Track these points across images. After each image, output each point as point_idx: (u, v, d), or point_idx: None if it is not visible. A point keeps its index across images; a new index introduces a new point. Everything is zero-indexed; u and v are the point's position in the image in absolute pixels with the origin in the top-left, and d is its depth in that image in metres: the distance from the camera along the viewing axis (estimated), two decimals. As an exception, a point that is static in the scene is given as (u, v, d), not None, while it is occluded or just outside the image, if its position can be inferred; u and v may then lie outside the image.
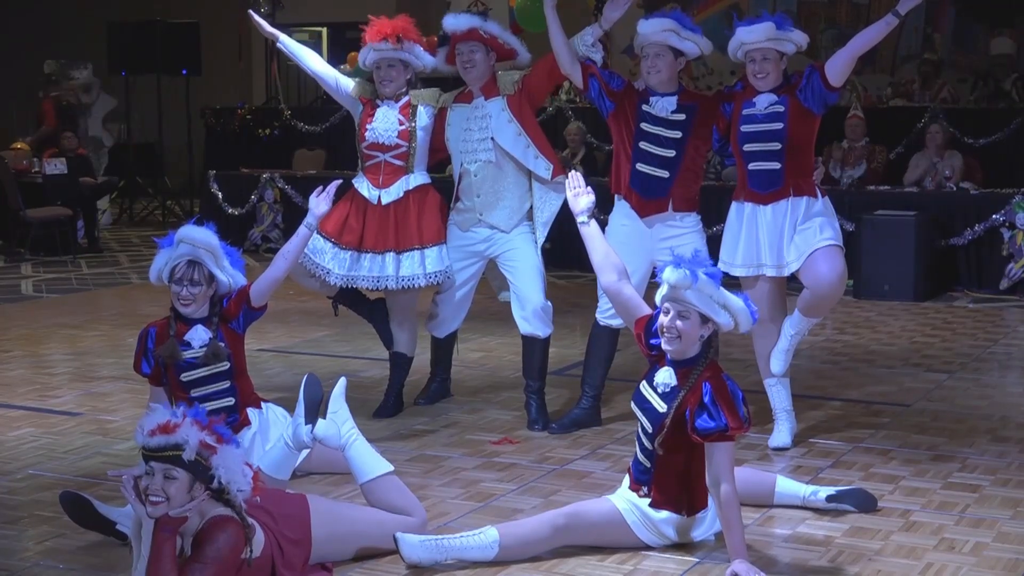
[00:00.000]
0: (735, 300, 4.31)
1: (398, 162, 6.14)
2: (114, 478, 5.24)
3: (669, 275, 4.28)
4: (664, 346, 4.36)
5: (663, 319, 4.34)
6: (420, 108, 6.17)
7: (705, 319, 4.30)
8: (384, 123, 6.14)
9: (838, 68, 5.57)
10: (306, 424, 4.58)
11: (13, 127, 16.88)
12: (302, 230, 5.22)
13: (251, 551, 3.95)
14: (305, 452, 4.87)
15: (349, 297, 6.37)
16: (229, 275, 5.06)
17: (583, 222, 4.80)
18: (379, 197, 6.13)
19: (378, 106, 6.18)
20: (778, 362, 5.77)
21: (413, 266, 6.10)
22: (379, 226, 6.12)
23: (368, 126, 6.15)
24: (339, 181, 5.33)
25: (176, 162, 17.03)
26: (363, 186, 6.18)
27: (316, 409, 4.61)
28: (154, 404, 4.55)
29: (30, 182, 13.28)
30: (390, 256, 6.11)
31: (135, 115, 16.63)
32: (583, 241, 4.81)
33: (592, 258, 4.79)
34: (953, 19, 15.03)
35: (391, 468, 4.57)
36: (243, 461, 3.95)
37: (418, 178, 6.18)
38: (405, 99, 6.18)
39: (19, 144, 14.46)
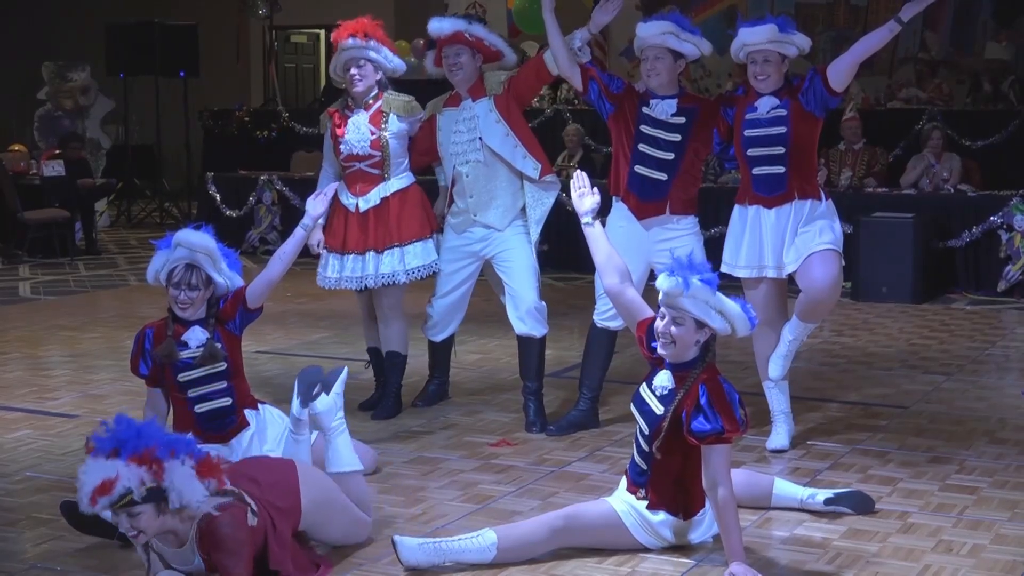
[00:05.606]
0: (732, 306, 4.30)
1: (374, 171, 6.15)
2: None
3: (662, 282, 4.29)
4: (659, 351, 4.36)
5: (658, 324, 4.34)
6: (391, 116, 6.15)
7: (701, 324, 4.30)
8: (356, 134, 6.13)
9: (840, 73, 5.57)
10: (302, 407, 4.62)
11: (12, 129, 16.89)
12: (298, 231, 5.26)
13: (254, 514, 4.00)
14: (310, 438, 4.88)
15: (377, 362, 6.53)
16: (227, 277, 5.07)
17: (587, 223, 4.80)
18: (357, 205, 6.16)
19: (347, 116, 6.18)
20: (776, 367, 5.77)
21: (393, 263, 6.13)
22: (360, 228, 6.15)
23: (341, 138, 6.15)
24: (336, 184, 5.36)
25: (174, 164, 17.04)
26: (343, 194, 6.20)
27: (310, 391, 4.62)
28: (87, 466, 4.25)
29: (28, 184, 13.30)
30: (371, 255, 6.14)
31: (133, 117, 16.64)
32: (586, 242, 4.80)
33: (595, 259, 4.79)
34: (951, 21, 15.04)
35: (362, 468, 4.66)
36: (192, 476, 3.88)
37: (396, 183, 6.19)
38: (376, 107, 6.16)
39: (17, 146, 14.46)
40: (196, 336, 5.03)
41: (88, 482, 3.82)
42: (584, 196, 4.85)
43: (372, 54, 6.10)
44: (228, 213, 13.24)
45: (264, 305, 5.17)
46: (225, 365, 5.05)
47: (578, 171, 5.01)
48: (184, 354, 5.01)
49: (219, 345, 5.02)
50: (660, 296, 4.33)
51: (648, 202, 5.86)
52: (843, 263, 5.72)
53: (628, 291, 4.66)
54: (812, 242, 5.59)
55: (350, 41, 6.08)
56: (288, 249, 5.19)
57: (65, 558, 4.47)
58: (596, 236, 4.79)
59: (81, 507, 3.86)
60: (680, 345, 4.31)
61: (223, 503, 3.95)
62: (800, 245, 5.61)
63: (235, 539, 3.92)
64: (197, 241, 4.99)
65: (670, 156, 5.81)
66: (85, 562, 4.43)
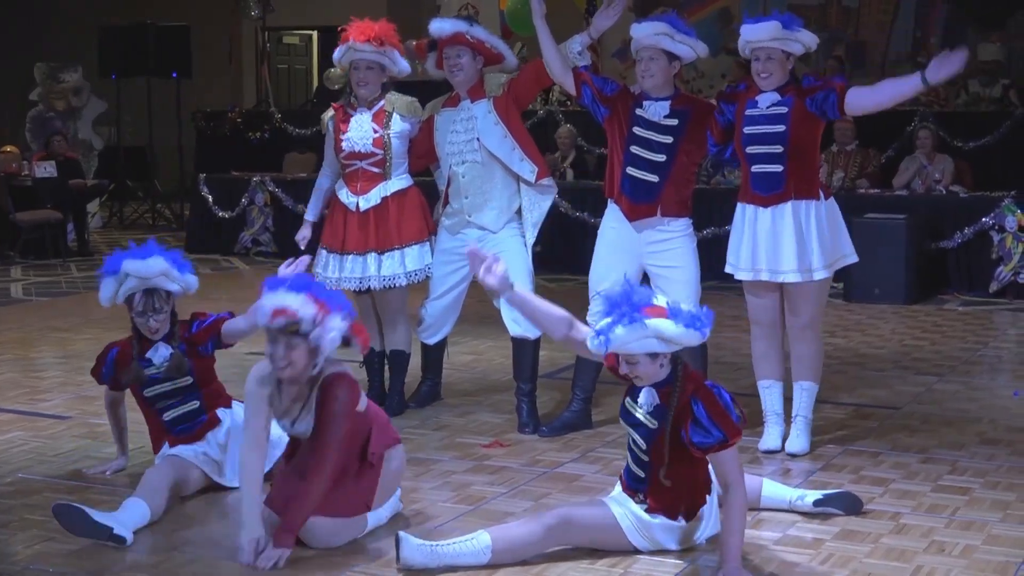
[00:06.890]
0: (669, 327, 4.14)
1: (375, 169, 6.17)
2: (96, 475, 5.30)
3: (591, 345, 4.25)
4: (636, 383, 4.37)
5: (621, 367, 4.34)
6: (394, 115, 6.17)
7: (654, 354, 4.27)
8: (358, 131, 6.15)
9: (859, 107, 5.53)
10: None
11: (4, 130, 16.86)
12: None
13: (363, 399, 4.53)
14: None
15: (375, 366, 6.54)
16: (182, 284, 5.09)
17: (506, 298, 4.52)
18: (357, 204, 6.17)
19: (351, 114, 6.20)
20: (797, 442, 5.72)
21: (394, 265, 6.15)
22: (360, 229, 6.17)
23: (343, 136, 6.18)
24: (308, 258, 5.13)
25: (166, 165, 17.02)
26: (343, 193, 6.21)
27: None
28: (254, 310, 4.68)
29: (20, 185, 13.28)
30: (372, 256, 6.16)
31: (125, 118, 16.62)
32: (521, 307, 4.58)
33: (534, 323, 4.65)
34: (943, 22, 15.06)
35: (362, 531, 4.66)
36: (336, 339, 4.32)
37: (396, 183, 6.20)
38: (379, 105, 6.18)
39: (9, 147, 14.45)
40: (161, 353, 5.09)
41: (272, 303, 4.27)
42: (486, 277, 4.43)
43: (383, 59, 6.12)
44: (220, 214, 13.23)
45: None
46: (191, 379, 5.09)
47: (470, 248, 4.59)
48: (149, 371, 5.07)
49: (184, 356, 5.06)
50: None
51: (639, 204, 5.84)
52: (838, 267, 5.72)
53: (578, 334, 4.46)
54: (799, 265, 5.55)
55: (365, 46, 6.07)
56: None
57: (57, 559, 4.46)
58: (521, 301, 4.56)
59: (260, 320, 4.35)
60: (648, 376, 4.30)
61: (344, 372, 4.41)
62: (795, 258, 5.56)
63: (346, 403, 4.37)
64: (148, 270, 4.97)
65: (662, 158, 5.80)
66: (77, 563, 4.42)
